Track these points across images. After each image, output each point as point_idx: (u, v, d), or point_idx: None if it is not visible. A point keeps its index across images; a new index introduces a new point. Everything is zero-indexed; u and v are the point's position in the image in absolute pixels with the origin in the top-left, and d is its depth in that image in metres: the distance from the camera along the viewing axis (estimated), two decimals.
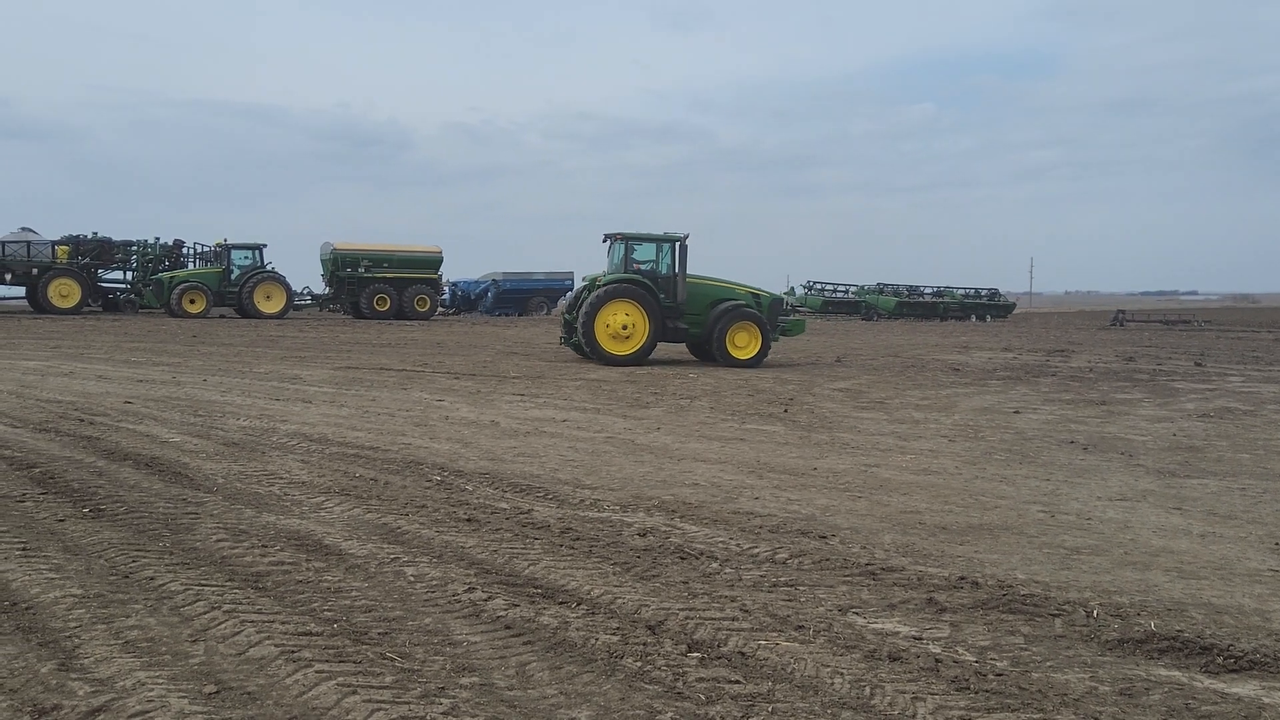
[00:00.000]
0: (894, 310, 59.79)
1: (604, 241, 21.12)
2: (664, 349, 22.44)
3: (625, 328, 19.67)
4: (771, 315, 20.98)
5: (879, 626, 4.68)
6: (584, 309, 19.76)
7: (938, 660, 4.26)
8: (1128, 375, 19.41)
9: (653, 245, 20.70)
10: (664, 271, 20.51)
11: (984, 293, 64.75)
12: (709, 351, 20.54)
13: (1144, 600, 5.15)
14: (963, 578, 5.46)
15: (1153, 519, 7.09)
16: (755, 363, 20.24)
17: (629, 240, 20.62)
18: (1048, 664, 4.28)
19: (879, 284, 62.90)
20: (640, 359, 19.93)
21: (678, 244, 20.38)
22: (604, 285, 19.97)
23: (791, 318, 22.73)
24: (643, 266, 20.61)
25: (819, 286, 63.87)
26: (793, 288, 66.53)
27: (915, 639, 4.53)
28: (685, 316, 20.40)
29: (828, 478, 8.37)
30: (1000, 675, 4.13)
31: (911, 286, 63.21)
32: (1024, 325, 51.45)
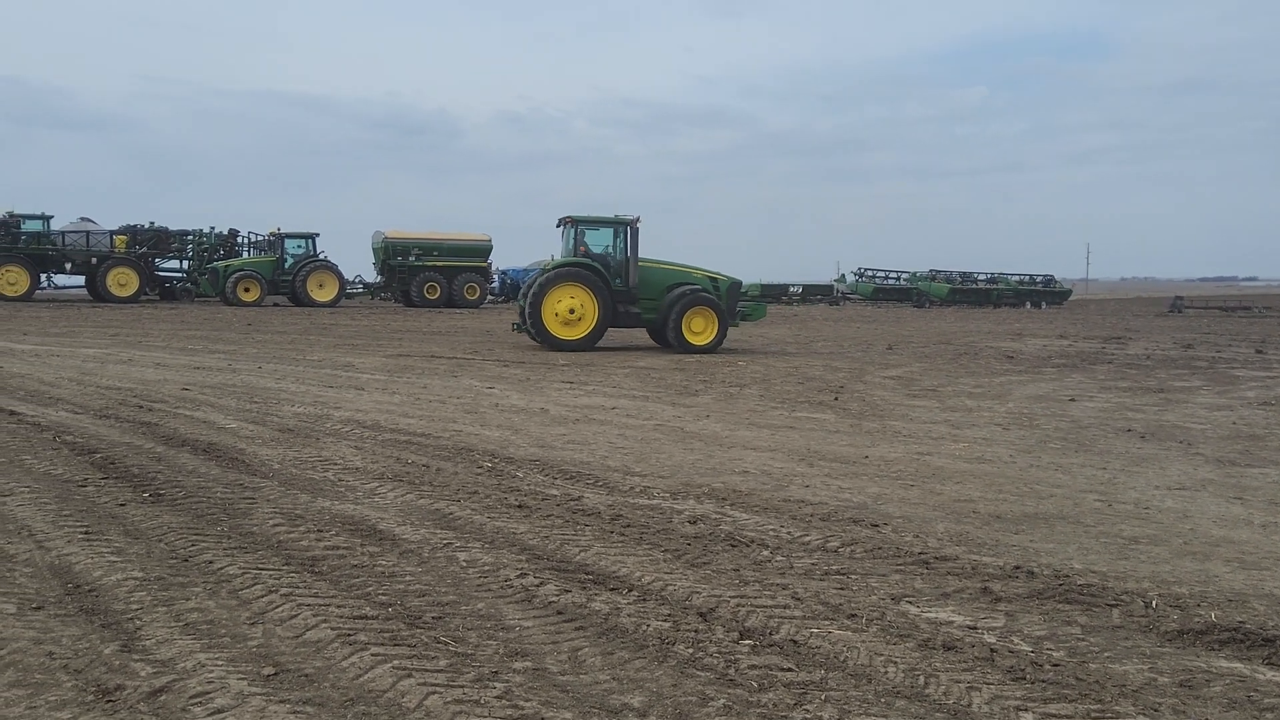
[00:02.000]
0: (946, 297, 59.18)
1: (557, 226, 20.90)
2: (622, 335, 22.34)
3: (572, 311, 19.47)
4: (730, 300, 20.65)
5: (933, 615, 4.64)
6: (530, 293, 19.65)
7: (993, 650, 4.22)
8: (1186, 363, 19.05)
9: (609, 229, 20.49)
10: (617, 255, 20.31)
11: (1038, 279, 63.89)
12: (667, 337, 20.26)
13: (1204, 591, 5.06)
14: (1018, 567, 5.39)
15: (1213, 509, 6.95)
16: (711, 348, 19.95)
17: (578, 224, 20.44)
18: (1105, 655, 4.22)
19: (931, 270, 62.29)
20: (589, 344, 19.76)
21: (629, 227, 20.16)
22: (551, 269, 19.88)
23: (751, 303, 22.40)
24: (596, 251, 20.41)
25: (870, 273, 63.39)
26: (843, 274, 66.10)
27: (970, 628, 4.48)
28: (640, 301, 20.19)
29: (879, 466, 8.31)
30: (1057, 665, 4.08)
31: (964, 273, 62.53)
32: (1080, 312, 50.67)
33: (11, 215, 38.38)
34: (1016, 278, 63.35)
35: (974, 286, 61.31)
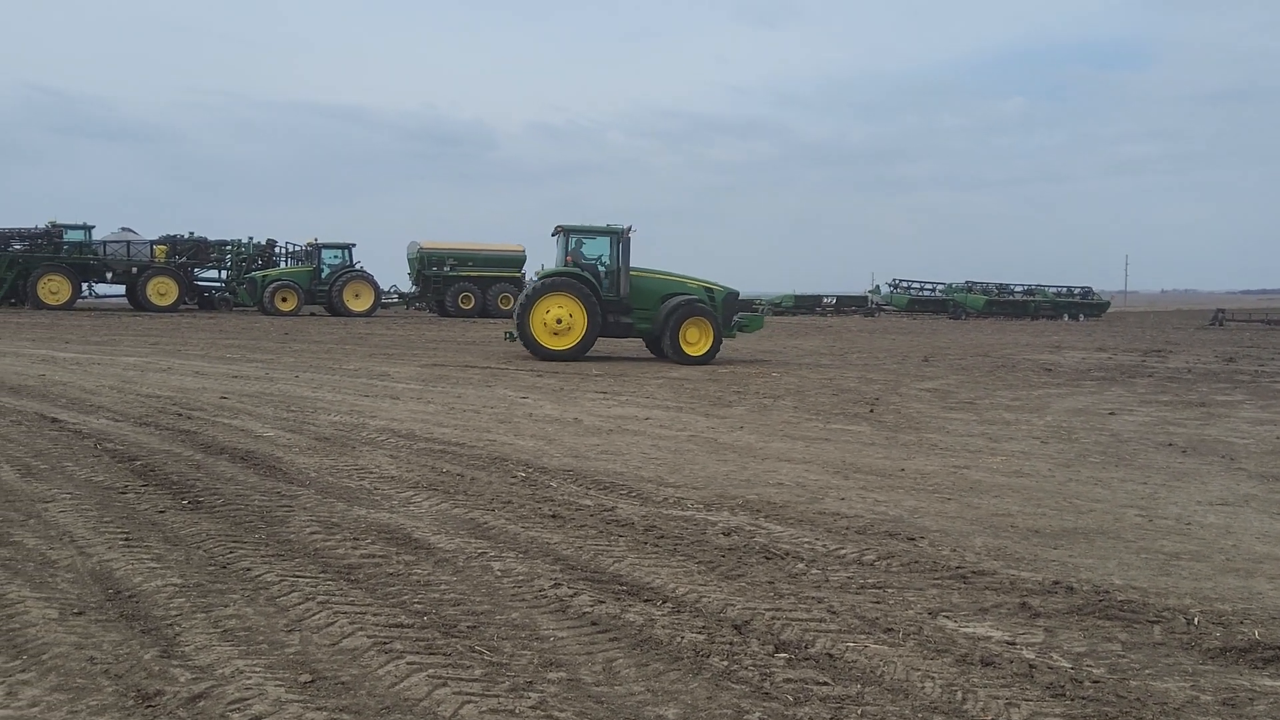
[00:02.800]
0: (983, 309, 58.75)
1: (552, 235, 20.84)
2: (617, 346, 22.22)
3: (559, 321, 19.42)
4: (727, 311, 20.50)
5: (970, 630, 4.59)
6: (520, 303, 19.69)
7: (1032, 666, 4.17)
8: (1228, 376, 18.77)
9: (604, 239, 20.42)
10: (609, 265, 20.24)
11: (1077, 291, 63.28)
12: (662, 348, 20.09)
13: (1247, 608, 4.97)
14: (1057, 582, 5.33)
15: (1256, 524, 6.84)
16: (707, 359, 19.79)
17: (570, 233, 20.40)
18: (1146, 672, 4.16)
19: (967, 282, 61.88)
20: (579, 354, 19.67)
21: (619, 236, 20.09)
22: (540, 279, 19.87)
23: (749, 313, 22.19)
24: (588, 260, 20.37)
25: (905, 284, 63.04)
26: (878, 285, 65.79)
27: (1008, 644, 4.43)
28: (634, 312, 20.11)
29: (916, 479, 8.25)
30: (1097, 682, 4.02)
31: (1001, 284, 62.06)
32: (1119, 324, 50.10)
33: (54, 225, 39.05)
34: (1054, 289, 62.79)
35: (1011, 298, 60.82)
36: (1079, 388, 16.40)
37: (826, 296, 61.84)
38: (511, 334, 20.37)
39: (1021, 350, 26.12)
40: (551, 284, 19.54)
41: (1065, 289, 63.24)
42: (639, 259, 20.35)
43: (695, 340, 19.88)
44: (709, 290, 20.59)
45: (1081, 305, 61.88)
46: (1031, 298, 61.24)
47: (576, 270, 19.92)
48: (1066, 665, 4.20)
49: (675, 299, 20.10)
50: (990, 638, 4.51)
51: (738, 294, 21.37)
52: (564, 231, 20.45)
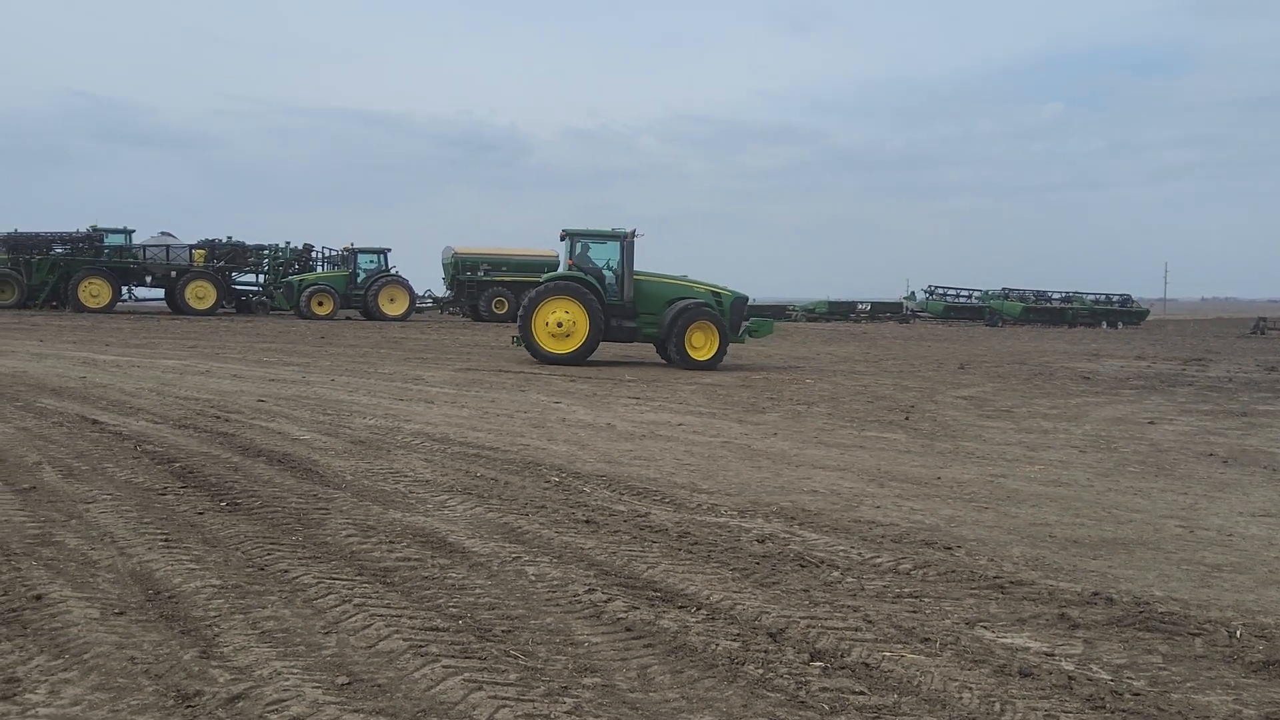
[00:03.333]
0: (1020, 316, 58.22)
1: (561, 240, 20.79)
2: (627, 350, 22.12)
3: (560, 325, 19.39)
4: (734, 316, 20.26)
5: (1008, 641, 4.55)
6: (523, 307, 19.70)
7: (1071, 678, 4.12)
8: (1270, 385, 18.49)
9: (612, 243, 20.34)
10: (616, 269, 20.18)
11: (1115, 298, 62.59)
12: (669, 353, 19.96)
13: None
14: (1096, 593, 5.27)
15: None
16: (712, 364, 19.60)
17: (574, 237, 20.38)
18: (1188, 685, 4.10)
19: (1004, 289, 61.32)
20: (580, 358, 19.60)
21: (623, 241, 20.01)
22: (543, 283, 19.89)
23: (757, 318, 21.96)
24: (596, 264, 20.34)
25: (940, 291, 62.61)
26: (912, 291, 65.37)
27: (1047, 655, 4.39)
28: (641, 316, 20.00)
29: (952, 487, 8.18)
30: (1138, 695, 3.97)
31: (1038, 291, 61.46)
32: (1158, 332, 49.51)
33: (95, 230, 39.62)
34: (1092, 297, 62.14)
35: (1048, 305, 60.24)
36: (1118, 396, 16.21)
37: (861, 303, 61.54)
38: (518, 339, 20.46)
39: (1059, 358, 25.86)
40: (553, 288, 19.60)
41: (1104, 296, 62.58)
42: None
43: (701, 345, 19.73)
44: (716, 294, 20.39)
45: (1120, 313, 61.17)
46: (1069, 305, 60.62)
47: (579, 274, 19.92)
48: (1106, 677, 4.15)
49: (680, 303, 19.93)
50: (1029, 648, 4.46)
51: (747, 298, 21.23)
52: (569, 236, 20.47)
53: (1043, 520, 7.04)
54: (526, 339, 19.57)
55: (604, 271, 20.33)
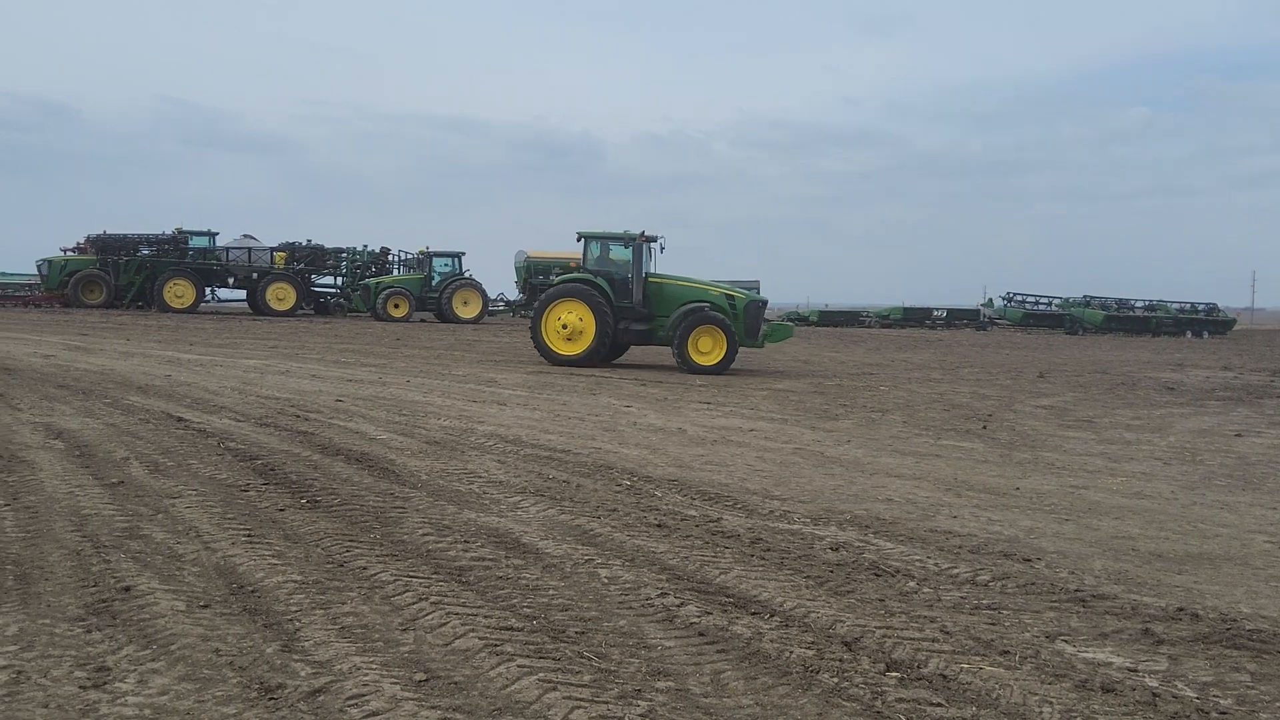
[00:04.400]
0: (1101, 324, 56.89)
1: (578, 241, 20.67)
2: (643, 354, 21.91)
3: (565, 326, 19.35)
4: (750, 320, 19.65)
5: (1090, 656, 4.44)
6: (535, 309, 19.78)
7: (1155, 694, 4.01)
8: None
9: (625, 246, 20.18)
10: (628, 271, 20.03)
11: (1201, 307, 60.84)
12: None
13: None
14: (1181, 609, 5.13)
15: None
16: (720, 370, 19.11)
17: (588, 240, 20.30)
18: (1277, 705, 3.97)
19: (1085, 296, 59.96)
20: (590, 360, 19.45)
21: (635, 244, 19.86)
22: (554, 285, 19.93)
23: (775, 322, 21.50)
24: (614, 266, 20.21)
25: (1020, 298, 61.46)
26: (990, 298, 64.28)
27: (1130, 670, 4.28)
28: (656, 319, 19.77)
29: (1031, 498, 8.03)
30: (1224, 714, 3.86)
31: (1121, 300, 60.00)
32: (1245, 343, 48.00)
33: (180, 232, 40.77)
34: (1176, 305, 60.49)
35: (1131, 314, 58.77)
36: (1203, 408, 15.76)
37: (936, 309, 60.67)
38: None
39: (1142, 368, 25.23)
40: (563, 290, 19.71)
41: (1188, 305, 60.90)
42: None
43: (708, 350, 19.31)
44: (729, 297, 19.89)
45: (1205, 322, 59.45)
46: (1153, 314, 59.08)
47: (588, 276, 19.92)
48: (1192, 695, 4.04)
49: (687, 305, 19.57)
50: (1111, 664, 4.35)
51: (765, 302, 20.88)
52: (584, 239, 20.50)
53: (1125, 533, 6.87)
54: (537, 341, 19.77)
55: (625, 274, 20.20)
